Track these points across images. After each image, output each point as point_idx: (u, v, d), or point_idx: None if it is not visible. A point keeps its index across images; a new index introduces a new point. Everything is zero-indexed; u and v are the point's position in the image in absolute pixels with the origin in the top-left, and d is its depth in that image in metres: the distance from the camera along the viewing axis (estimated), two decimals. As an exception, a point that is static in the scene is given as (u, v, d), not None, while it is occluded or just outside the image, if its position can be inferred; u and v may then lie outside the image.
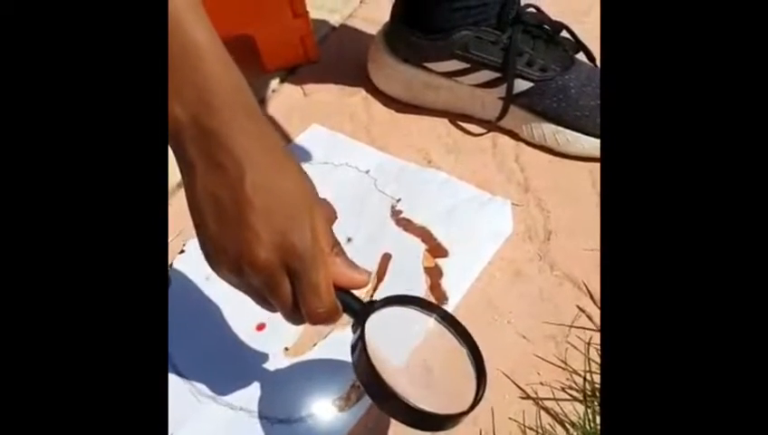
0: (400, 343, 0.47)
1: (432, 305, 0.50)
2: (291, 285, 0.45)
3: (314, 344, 0.61)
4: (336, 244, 0.47)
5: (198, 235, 0.46)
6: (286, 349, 0.61)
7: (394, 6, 0.79)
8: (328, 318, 0.46)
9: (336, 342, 0.61)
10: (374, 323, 0.46)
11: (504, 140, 0.76)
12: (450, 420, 0.44)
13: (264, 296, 0.46)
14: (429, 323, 0.48)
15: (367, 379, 0.44)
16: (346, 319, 0.48)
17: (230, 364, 0.60)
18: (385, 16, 0.82)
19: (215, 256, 0.45)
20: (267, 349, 0.61)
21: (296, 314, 0.46)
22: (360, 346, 0.44)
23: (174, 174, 0.77)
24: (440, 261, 0.65)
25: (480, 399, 0.45)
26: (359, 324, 0.46)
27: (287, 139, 0.79)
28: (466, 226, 0.67)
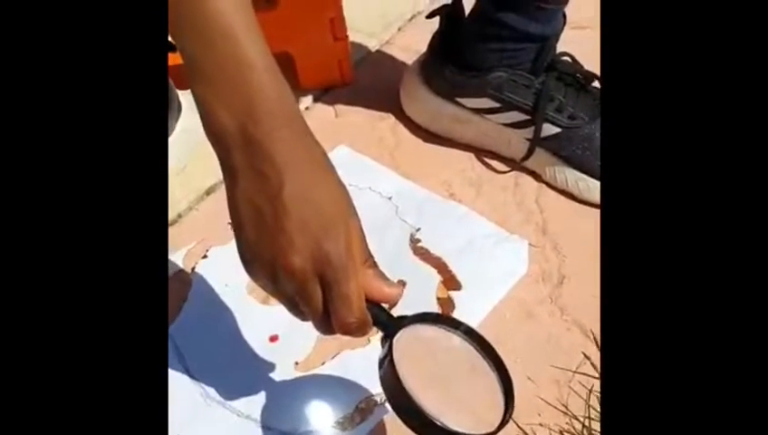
0: (427, 360, 0.49)
1: (459, 323, 0.51)
2: (323, 294, 0.46)
3: (323, 363, 0.63)
4: (369, 256, 0.48)
5: (237, 239, 0.47)
6: (296, 363, 0.63)
7: (432, 39, 0.81)
8: (357, 329, 0.47)
9: (345, 361, 0.62)
10: (402, 338, 0.47)
11: (527, 180, 0.78)
12: None
13: (296, 304, 0.48)
14: (456, 340, 0.50)
15: (393, 392, 0.46)
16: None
17: (241, 371, 0.62)
18: (420, 45, 0.84)
19: (251, 261, 0.47)
20: (278, 361, 0.63)
21: (326, 323, 0.47)
22: (388, 360, 0.46)
23: (203, 182, 0.79)
24: (453, 293, 0.66)
25: (507, 420, 0.47)
26: (388, 338, 0.47)
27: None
28: (482, 261, 0.69)
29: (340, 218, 0.46)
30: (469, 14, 0.77)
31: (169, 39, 0.74)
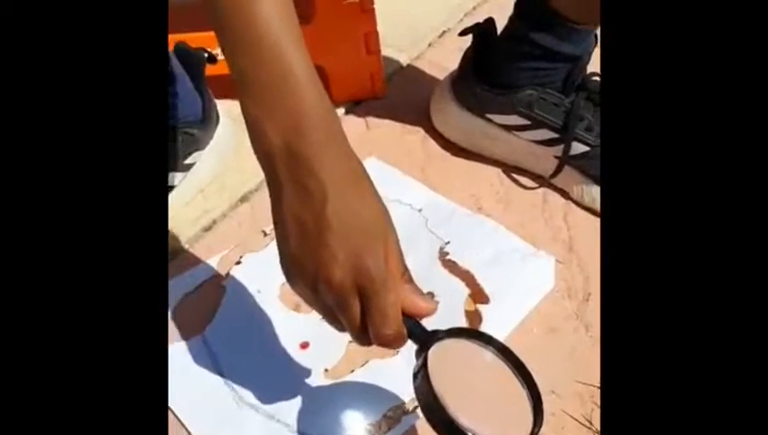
0: (460, 373, 0.50)
1: (492, 339, 0.52)
2: (361, 307, 0.48)
3: (353, 370, 0.64)
4: (406, 270, 0.50)
5: (280, 251, 0.49)
6: (326, 370, 0.64)
7: (464, 56, 0.82)
8: (393, 342, 0.49)
9: (374, 369, 0.64)
10: (436, 351, 0.49)
11: (555, 197, 0.79)
12: None
13: (335, 315, 0.49)
14: (488, 356, 0.51)
15: (426, 403, 0.47)
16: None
17: (272, 376, 0.64)
18: (449, 61, 0.86)
19: (293, 273, 0.49)
20: (308, 367, 0.64)
21: (364, 334, 0.49)
22: (422, 373, 0.47)
23: (237, 190, 0.81)
24: (481, 307, 0.68)
25: (537, 433, 0.48)
26: (422, 352, 0.49)
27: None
28: (510, 276, 0.70)
29: (380, 233, 0.48)
30: (501, 33, 0.79)
31: (208, 50, 0.77)
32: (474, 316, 0.67)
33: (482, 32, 0.80)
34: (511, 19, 0.77)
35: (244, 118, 0.48)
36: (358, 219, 0.47)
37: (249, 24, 0.47)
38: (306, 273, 0.47)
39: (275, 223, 0.49)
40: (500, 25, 0.79)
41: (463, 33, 0.81)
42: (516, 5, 0.76)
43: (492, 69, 0.78)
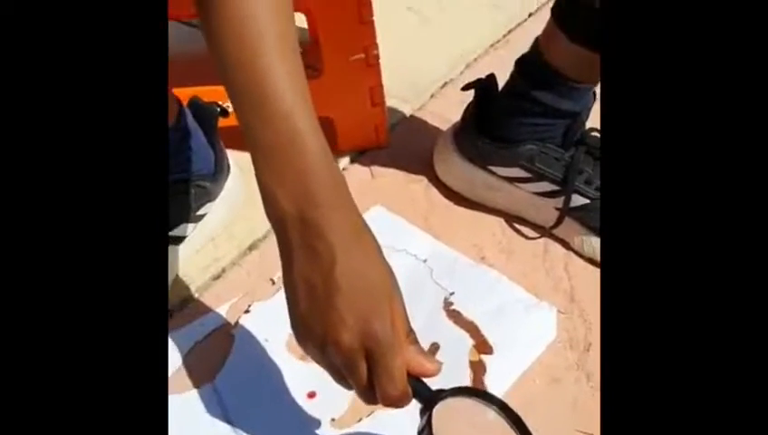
0: (463, 431, 0.52)
1: (493, 398, 0.53)
2: (368, 367, 0.49)
3: (359, 420, 0.65)
4: (411, 331, 0.51)
5: (290, 312, 0.51)
6: (333, 419, 0.65)
7: (466, 109, 0.85)
8: (399, 401, 0.50)
9: (380, 420, 0.65)
10: (440, 410, 0.50)
11: (556, 247, 0.81)
12: None
13: (343, 374, 0.51)
14: (490, 414, 0.52)
15: None
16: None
17: (280, 426, 0.65)
18: (451, 112, 0.88)
19: (303, 333, 0.50)
20: (315, 416, 0.65)
21: (370, 393, 0.50)
22: (426, 432, 0.49)
23: (247, 238, 0.83)
24: (485, 357, 0.69)
25: None
26: (427, 410, 0.50)
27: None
28: (513, 326, 0.72)
29: (386, 296, 0.50)
30: (502, 89, 0.81)
31: (221, 104, 0.79)
32: (478, 367, 0.68)
33: (483, 87, 0.82)
34: (512, 75, 0.80)
35: (256, 179, 0.50)
36: (365, 282, 0.49)
37: (257, 83, 0.48)
38: (315, 334, 0.49)
39: (286, 286, 0.51)
40: (500, 75, 0.82)
41: (465, 88, 0.84)
42: (517, 63, 0.79)
43: (493, 123, 0.81)
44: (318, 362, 0.52)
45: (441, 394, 0.51)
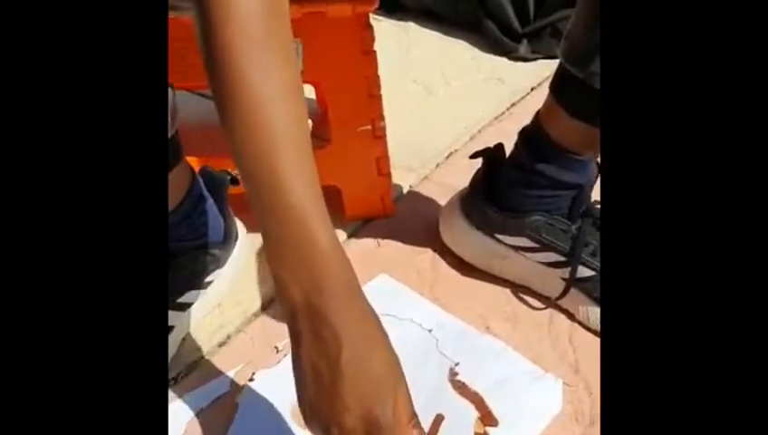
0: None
1: None
2: None
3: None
4: (414, 416, 0.52)
5: (298, 394, 0.53)
6: (336, 493, 0.64)
7: (474, 177, 0.86)
8: None
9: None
10: None
11: (561, 318, 0.81)
12: None
13: None
14: None
15: None
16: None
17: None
18: (457, 181, 0.90)
19: (309, 415, 0.52)
20: (318, 488, 0.64)
21: None
22: None
23: (251, 305, 0.83)
24: (490, 430, 0.68)
25: None
26: None
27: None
28: (518, 398, 0.71)
29: (390, 383, 0.51)
30: (508, 160, 0.83)
31: (231, 172, 0.81)
32: (483, 440, 0.68)
33: (490, 156, 0.84)
34: (516, 147, 0.82)
35: (272, 276, 0.52)
36: (369, 370, 0.50)
37: (281, 200, 0.49)
38: (321, 417, 0.51)
39: (295, 371, 0.52)
40: (505, 146, 0.84)
41: (474, 156, 0.85)
42: (520, 134, 0.81)
43: (500, 193, 0.82)
44: None
45: None
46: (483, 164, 0.85)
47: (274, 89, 0.50)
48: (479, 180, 0.85)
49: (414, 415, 0.52)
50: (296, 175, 0.50)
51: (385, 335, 0.53)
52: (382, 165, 0.91)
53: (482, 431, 0.68)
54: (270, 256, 0.52)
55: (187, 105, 1.04)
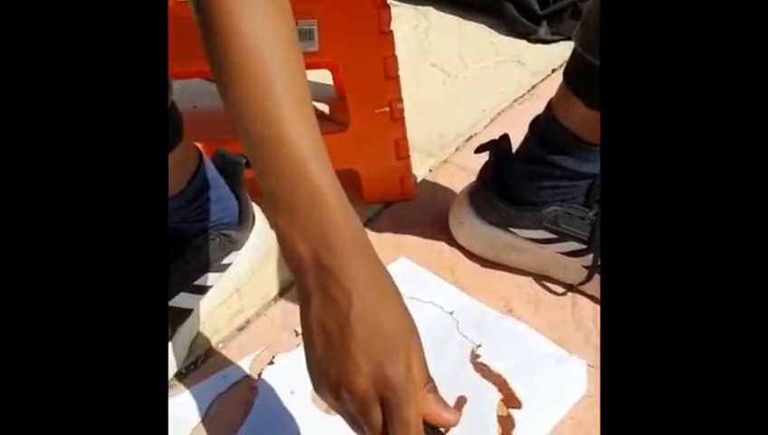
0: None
1: None
2: (383, 415, 0.48)
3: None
4: (429, 379, 0.50)
5: (306, 357, 0.50)
6: (357, 474, 0.64)
7: (482, 170, 0.83)
8: None
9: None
10: None
11: (584, 301, 0.79)
12: None
13: (358, 421, 0.49)
14: None
15: None
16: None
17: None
18: (476, 164, 0.87)
19: (318, 379, 0.50)
20: (339, 471, 0.64)
21: None
22: None
23: (271, 289, 0.83)
24: (513, 411, 0.67)
25: None
26: None
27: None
28: (542, 380, 0.70)
29: (403, 342, 0.48)
30: (519, 153, 0.80)
31: (246, 156, 0.80)
32: (506, 421, 0.67)
33: (498, 150, 0.81)
34: (527, 138, 0.78)
35: (276, 234, 0.50)
36: (381, 328, 0.48)
37: (281, 154, 0.48)
38: (330, 380, 0.48)
39: (303, 331, 0.50)
40: (525, 128, 0.81)
41: (478, 151, 0.82)
42: (531, 125, 0.78)
43: (512, 188, 0.79)
44: (334, 409, 0.51)
45: None
46: (490, 157, 0.81)
47: (268, 39, 0.48)
48: (488, 174, 0.81)
49: (430, 379, 0.50)
50: (299, 128, 0.48)
51: (397, 292, 0.50)
52: (401, 148, 0.90)
53: (505, 413, 0.67)
54: (274, 213, 0.49)
55: (202, 91, 1.04)
